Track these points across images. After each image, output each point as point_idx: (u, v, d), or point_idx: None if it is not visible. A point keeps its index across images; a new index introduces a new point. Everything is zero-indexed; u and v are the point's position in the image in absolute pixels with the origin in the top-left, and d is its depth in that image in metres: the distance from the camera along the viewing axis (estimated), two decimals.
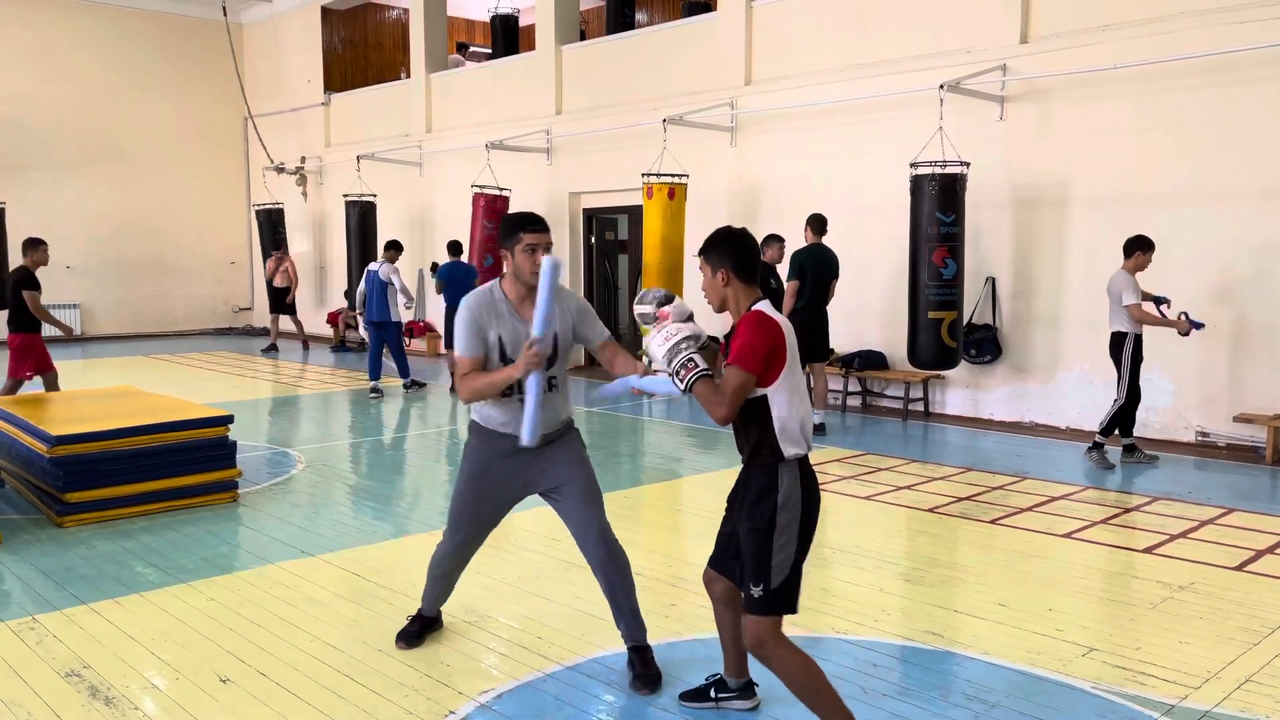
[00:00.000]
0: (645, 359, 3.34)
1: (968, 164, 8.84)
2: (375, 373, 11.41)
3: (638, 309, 3.40)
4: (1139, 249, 7.45)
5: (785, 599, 3.05)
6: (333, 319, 17.36)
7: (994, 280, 9.45)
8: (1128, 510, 6.34)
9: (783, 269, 9.14)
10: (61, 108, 17.82)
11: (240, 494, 6.58)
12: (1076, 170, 8.92)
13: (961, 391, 9.83)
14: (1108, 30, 8.67)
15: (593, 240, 13.89)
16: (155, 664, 3.94)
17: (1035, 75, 9.08)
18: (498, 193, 13.16)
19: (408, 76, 16.97)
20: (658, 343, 3.08)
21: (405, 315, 12.41)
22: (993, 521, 6.04)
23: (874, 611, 4.59)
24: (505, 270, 3.70)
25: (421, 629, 4.15)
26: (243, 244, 20.08)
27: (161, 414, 6.51)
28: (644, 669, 3.73)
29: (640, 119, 12.10)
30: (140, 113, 18.68)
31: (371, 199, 15.57)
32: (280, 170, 18.42)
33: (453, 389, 11.47)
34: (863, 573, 5.20)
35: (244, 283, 20.29)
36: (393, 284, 11.43)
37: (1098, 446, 7.62)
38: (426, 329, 16.01)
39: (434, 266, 15.89)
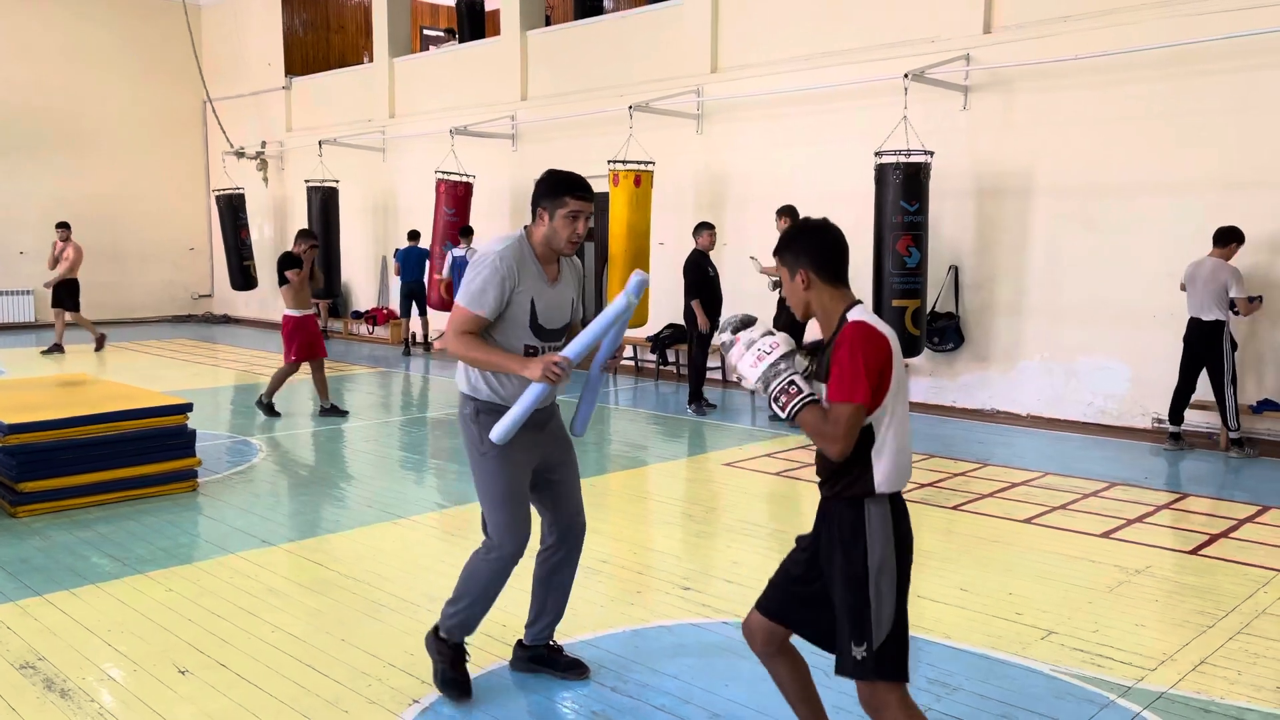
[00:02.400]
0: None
1: (932, 153, 8.90)
2: None
3: (729, 329, 2.75)
4: (1236, 240, 7.46)
5: (895, 661, 2.56)
6: None
7: (957, 269, 9.53)
8: (1085, 496, 6.43)
9: (715, 255, 9.27)
10: (16, 91, 17.41)
11: (200, 483, 6.48)
12: (1039, 160, 9.01)
13: (924, 379, 9.92)
14: (1069, 21, 8.75)
15: None
16: (112, 656, 3.87)
17: (998, 65, 9.15)
18: (460, 179, 13.05)
19: (370, 61, 16.76)
20: (748, 362, 2.60)
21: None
22: (954, 507, 6.11)
23: None
24: (536, 230, 3.34)
25: (463, 667, 3.58)
26: (202, 230, 19.77)
27: (118, 402, 6.39)
28: (566, 655, 3.73)
29: (606, 105, 12.05)
30: (97, 96, 18.30)
31: (334, 184, 15.38)
32: (240, 155, 18.14)
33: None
34: None
35: (204, 269, 19.99)
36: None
37: (1237, 443, 7.68)
38: (390, 316, 15.88)
39: (398, 253, 15.77)
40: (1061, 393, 9.06)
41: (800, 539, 2.83)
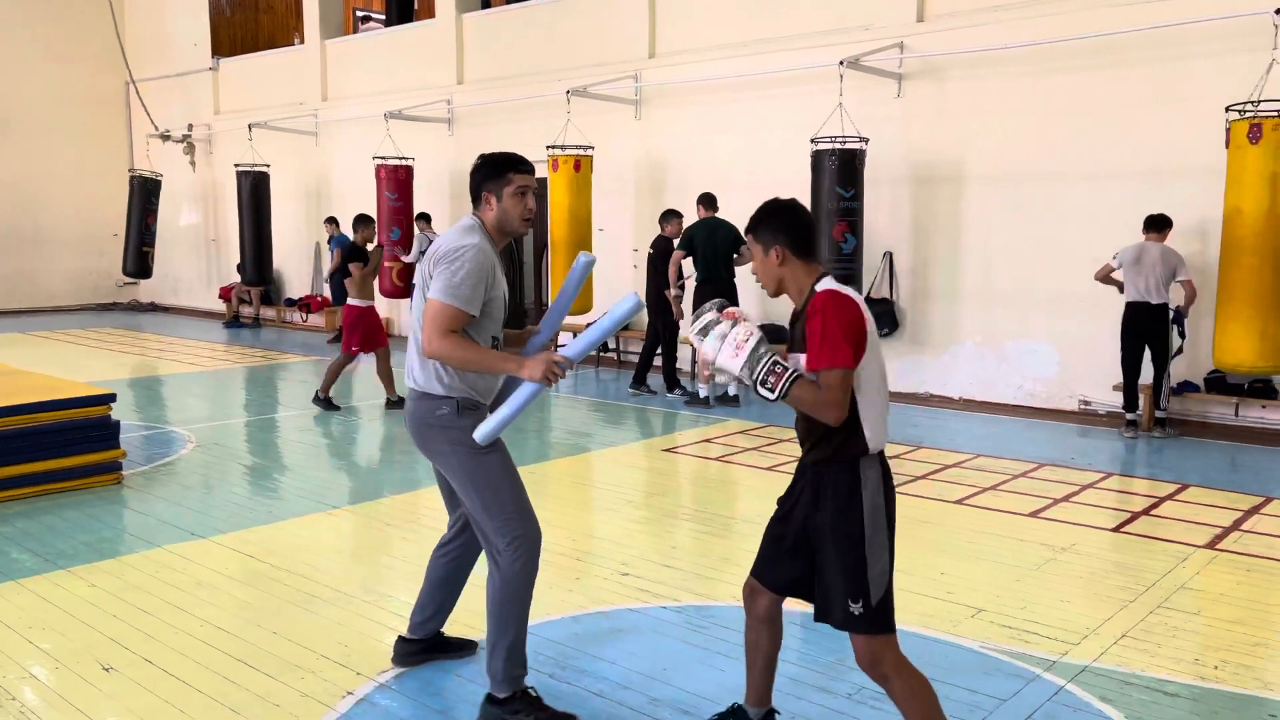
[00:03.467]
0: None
1: (866, 140, 9.00)
2: None
3: (700, 324, 2.76)
4: (1170, 225, 7.59)
5: (886, 615, 2.69)
6: (225, 294, 16.76)
7: (891, 255, 9.66)
8: (1015, 477, 6.59)
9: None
10: None
11: (125, 476, 6.31)
12: (970, 148, 9.17)
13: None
14: (1000, 11, 8.90)
15: None
16: (33, 653, 3.75)
17: (931, 54, 9.27)
18: (400, 163, 12.85)
19: (301, 42, 16.39)
20: (727, 354, 2.65)
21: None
22: None
23: None
24: (485, 216, 3.24)
25: (546, 706, 3.32)
26: (126, 215, 19.14)
27: (37, 393, 6.18)
28: (453, 637, 3.75)
29: (544, 90, 11.95)
30: (11, 76, 17.59)
31: (265, 169, 15.03)
32: (166, 138, 17.61)
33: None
34: None
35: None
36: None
37: (1161, 423, 7.80)
38: (324, 303, 15.60)
39: (330, 240, 15.48)
40: (993, 376, 9.25)
41: (779, 500, 2.94)
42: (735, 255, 9.00)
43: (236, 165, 15.14)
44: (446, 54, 13.60)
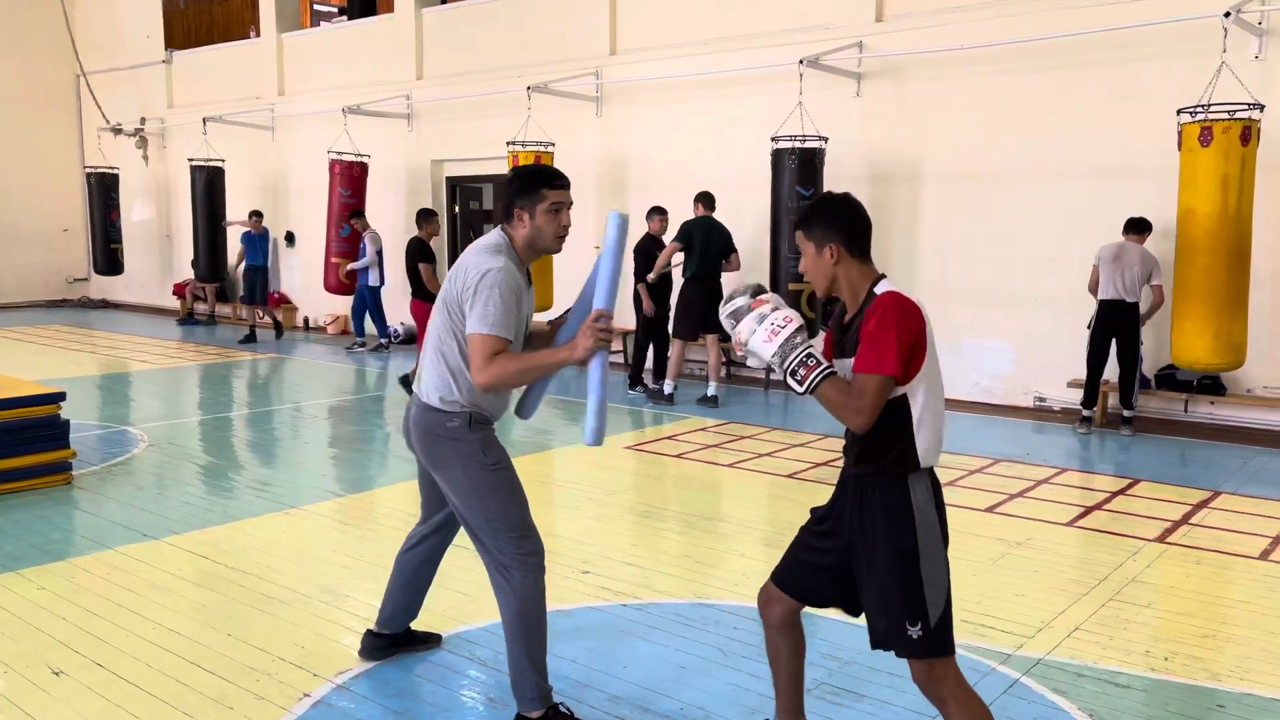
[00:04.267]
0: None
1: (826, 139, 9.06)
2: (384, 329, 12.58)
3: (732, 307, 2.66)
4: (1150, 228, 7.68)
5: (946, 636, 2.54)
6: (179, 290, 16.49)
7: None
8: (971, 472, 6.67)
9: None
10: None
11: (75, 476, 6.18)
12: (929, 147, 9.26)
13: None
14: (957, 11, 9.00)
15: (457, 209, 13.61)
16: None
17: (889, 54, 9.36)
18: (355, 159, 12.71)
19: (257, 35, 16.15)
20: (761, 337, 2.53)
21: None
22: None
23: (735, 576, 4.68)
24: (516, 233, 3.13)
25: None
26: (77, 210, 18.74)
27: None
28: (418, 630, 3.75)
29: (504, 86, 11.88)
30: None
31: (220, 164, 14.80)
32: (118, 131, 17.27)
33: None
34: (725, 539, 5.30)
35: (79, 252, 18.98)
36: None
37: (1128, 421, 7.89)
38: (282, 300, 15.40)
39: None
40: (950, 373, 9.26)
41: (815, 511, 2.80)
42: (724, 261, 8.99)
43: (190, 160, 14.89)
44: (406, 49, 13.47)
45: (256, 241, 13.62)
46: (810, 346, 2.52)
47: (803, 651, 2.88)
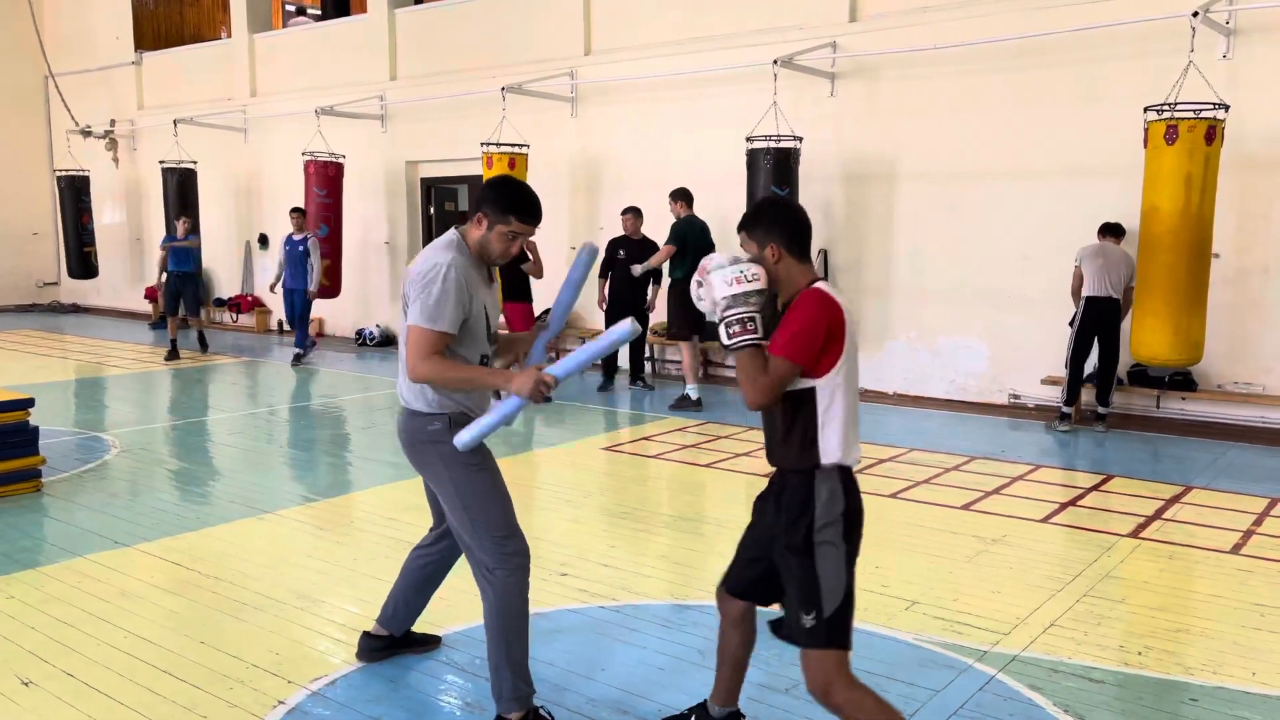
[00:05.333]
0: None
1: (801, 139, 9.09)
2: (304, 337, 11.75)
3: (718, 260, 2.70)
4: (1124, 233, 7.77)
5: (842, 629, 2.63)
6: (150, 294, 16.31)
7: (826, 252, 9.77)
8: (948, 470, 6.70)
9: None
10: None
11: (45, 483, 6.09)
12: (902, 146, 9.31)
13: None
14: (929, 12, 9.05)
15: (431, 211, 13.54)
16: None
17: (863, 54, 9.40)
18: (330, 159, 12.62)
19: (228, 36, 16.02)
20: (726, 278, 2.58)
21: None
22: None
23: (711, 576, 4.66)
24: (471, 233, 3.12)
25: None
26: (46, 213, 18.50)
27: None
28: (418, 633, 3.75)
29: (479, 87, 11.84)
30: None
31: (191, 165, 14.65)
32: (87, 134, 17.06)
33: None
34: (703, 540, 5.30)
35: (49, 255, 18.74)
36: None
37: (1103, 418, 7.92)
38: (255, 303, 15.27)
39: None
40: (925, 372, 9.42)
41: (755, 506, 2.88)
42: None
43: (162, 162, 14.73)
44: (379, 49, 13.39)
45: (185, 247, 12.35)
46: (757, 311, 2.57)
47: (750, 644, 3.00)
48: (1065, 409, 8.06)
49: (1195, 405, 8.21)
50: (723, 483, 6.41)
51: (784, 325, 2.58)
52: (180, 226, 12.58)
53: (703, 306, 2.70)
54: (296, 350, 11.72)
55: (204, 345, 12.71)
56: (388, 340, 13.45)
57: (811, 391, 2.60)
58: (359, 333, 13.55)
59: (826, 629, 2.60)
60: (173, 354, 11.91)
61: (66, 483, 6.25)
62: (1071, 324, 7.96)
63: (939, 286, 9.22)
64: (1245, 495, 6.07)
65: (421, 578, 3.59)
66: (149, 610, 4.18)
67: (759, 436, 7.78)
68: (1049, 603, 4.31)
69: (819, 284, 2.66)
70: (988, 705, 3.37)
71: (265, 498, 6.02)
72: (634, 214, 9.38)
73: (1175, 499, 5.99)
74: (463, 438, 3.08)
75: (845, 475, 2.69)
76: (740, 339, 2.56)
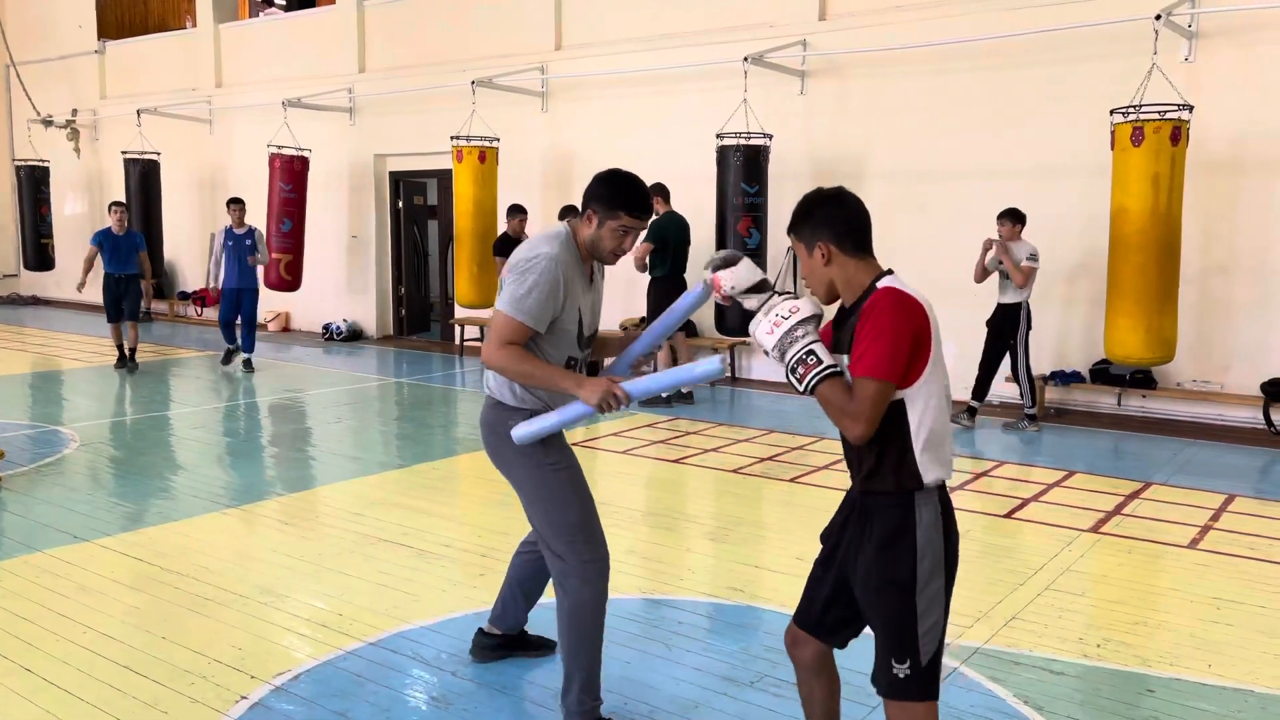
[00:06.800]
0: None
1: (771, 136, 9.12)
2: (233, 338, 10.62)
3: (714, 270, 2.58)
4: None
5: (935, 677, 2.29)
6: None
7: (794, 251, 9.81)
8: None
9: None
10: None
11: (2, 477, 5.99)
12: (871, 145, 9.37)
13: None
14: (900, 11, 9.12)
15: (400, 205, 13.45)
16: None
17: (833, 52, 9.45)
18: (296, 153, 12.50)
19: (194, 26, 15.80)
20: (765, 328, 2.30)
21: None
22: (792, 480, 6.31)
23: (680, 571, 4.69)
24: (582, 230, 3.02)
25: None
26: (6, 204, 18.16)
27: None
28: (534, 635, 3.70)
29: (448, 80, 11.77)
30: None
31: (155, 157, 14.45)
32: (48, 123, 16.77)
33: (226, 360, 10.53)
34: (670, 534, 5.31)
35: (8, 247, 18.41)
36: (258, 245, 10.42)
37: (1032, 418, 8.00)
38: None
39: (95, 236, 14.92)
40: None
41: (826, 536, 2.52)
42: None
43: (124, 153, 14.52)
44: (348, 41, 13.28)
45: (120, 242, 10.30)
46: (813, 341, 2.26)
47: (837, 692, 2.60)
48: (1030, 409, 8.13)
49: (1156, 403, 8.35)
50: (691, 479, 6.42)
51: (861, 337, 2.22)
52: (114, 218, 10.35)
53: (762, 349, 2.41)
54: (246, 355, 10.56)
55: (131, 362, 10.49)
56: (355, 335, 13.35)
57: (900, 404, 2.24)
58: (326, 327, 13.43)
59: (921, 680, 2.27)
60: (121, 362, 10.48)
61: (24, 477, 6.14)
62: (990, 323, 8.04)
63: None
64: (1203, 491, 6.17)
65: (526, 574, 3.49)
66: (109, 605, 4.12)
67: (727, 432, 7.85)
68: (1011, 596, 4.36)
69: (887, 279, 2.32)
70: (950, 697, 3.41)
71: (228, 492, 5.96)
72: (521, 214, 9.53)
73: (1135, 494, 6.09)
74: (520, 430, 2.99)
75: (944, 495, 2.36)
76: (809, 379, 2.24)
